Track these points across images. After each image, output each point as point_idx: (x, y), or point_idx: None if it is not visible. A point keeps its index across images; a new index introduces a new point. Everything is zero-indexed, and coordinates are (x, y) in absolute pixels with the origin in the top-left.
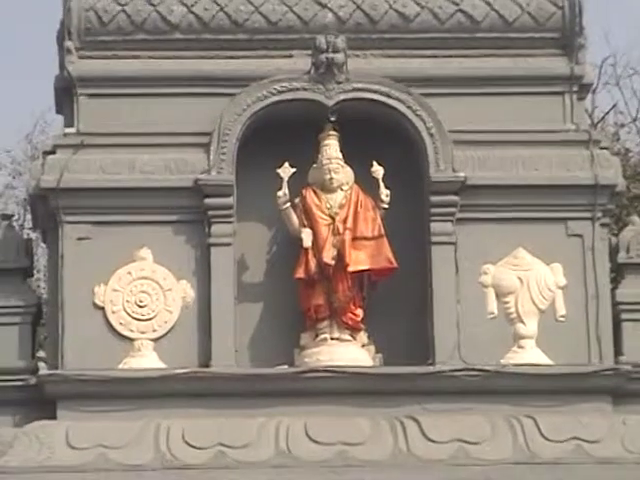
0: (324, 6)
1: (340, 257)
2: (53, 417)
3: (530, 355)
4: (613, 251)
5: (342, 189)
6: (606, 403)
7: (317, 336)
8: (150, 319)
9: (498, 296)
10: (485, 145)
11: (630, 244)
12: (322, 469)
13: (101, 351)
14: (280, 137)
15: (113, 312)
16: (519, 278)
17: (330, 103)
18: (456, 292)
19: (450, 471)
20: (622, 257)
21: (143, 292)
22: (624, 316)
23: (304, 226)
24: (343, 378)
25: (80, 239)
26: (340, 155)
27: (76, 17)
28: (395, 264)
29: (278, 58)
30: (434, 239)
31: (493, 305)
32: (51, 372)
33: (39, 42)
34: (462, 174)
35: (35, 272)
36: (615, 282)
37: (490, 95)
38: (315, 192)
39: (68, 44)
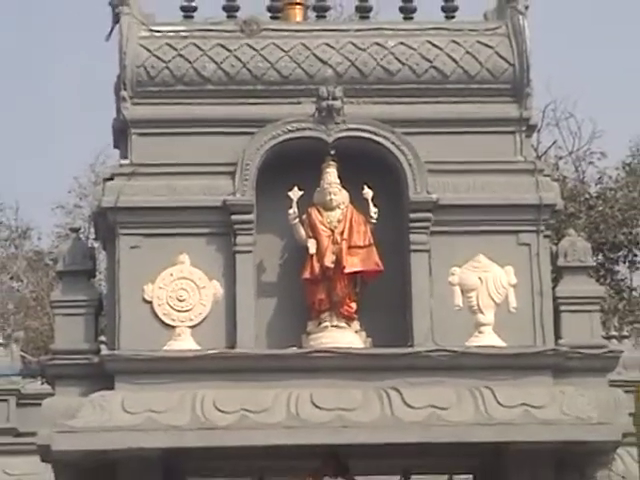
0: (325, 63)
1: (338, 261)
2: (111, 388)
3: (488, 339)
4: (554, 257)
5: (339, 208)
6: (548, 377)
7: (320, 324)
8: (188, 311)
9: (463, 292)
10: (453, 173)
11: (567, 251)
12: (324, 430)
13: (149, 336)
14: (291, 166)
15: (159, 305)
16: (479, 278)
17: (330, 140)
18: (430, 289)
19: (425, 431)
20: (561, 261)
21: (182, 289)
22: (562, 308)
23: (310, 237)
24: (341, 357)
25: (132, 247)
26: (338, 181)
27: (130, 72)
28: (381, 267)
29: (289, 104)
30: (412, 247)
31: (459, 299)
32: (110, 353)
33: (100, 92)
34: (435, 196)
35: (97, 274)
36: (555, 281)
37: (457, 134)
38: (318, 210)
39: (123, 93)
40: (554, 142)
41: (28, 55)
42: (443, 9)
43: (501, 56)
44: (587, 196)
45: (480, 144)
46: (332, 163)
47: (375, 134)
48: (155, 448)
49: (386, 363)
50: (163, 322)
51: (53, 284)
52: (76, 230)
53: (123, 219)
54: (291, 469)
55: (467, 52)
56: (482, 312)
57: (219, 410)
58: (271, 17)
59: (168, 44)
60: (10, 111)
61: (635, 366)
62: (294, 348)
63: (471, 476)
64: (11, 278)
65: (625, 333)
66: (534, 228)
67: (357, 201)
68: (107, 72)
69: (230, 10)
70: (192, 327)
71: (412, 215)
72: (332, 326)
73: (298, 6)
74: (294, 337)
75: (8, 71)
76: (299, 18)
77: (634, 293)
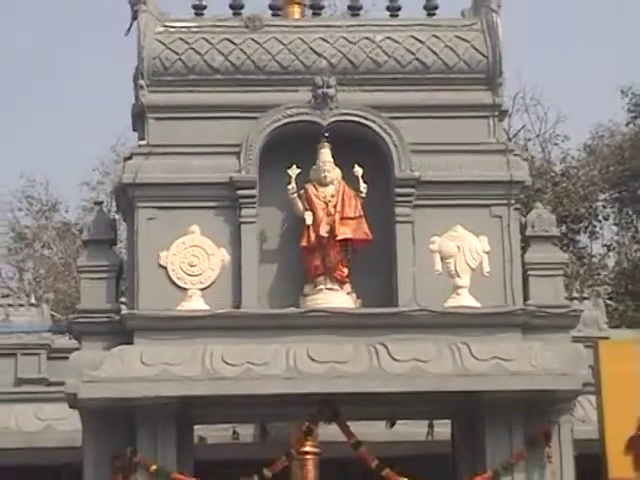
0: (320, 55)
1: (332, 231)
2: (131, 343)
3: (465, 300)
4: (523, 227)
5: (333, 184)
6: (517, 333)
7: (316, 287)
8: (198, 275)
9: (442, 259)
10: (433, 153)
11: (534, 222)
12: (319, 380)
13: (164, 297)
14: (289, 147)
15: (172, 270)
16: (457, 246)
17: (325, 123)
18: (413, 256)
19: (409, 381)
20: (529, 231)
21: (193, 256)
22: (530, 273)
23: (306, 210)
24: (334, 316)
25: (149, 219)
26: (331, 160)
27: (147, 63)
28: (370, 236)
29: (288, 92)
30: (397, 219)
31: (439, 265)
32: (129, 312)
33: (119, 82)
34: (417, 173)
35: (118, 242)
36: (524, 249)
37: (437, 118)
38: (314, 186)
39: (141, 82)
40: (523, 126)
41: (63, 48)
42: (425, 7)
43: (476, 49)
44: (552, 174)
45: (457, 127)
46: (326, 144)
47: (364, 118)
48: (169, 396)
49: (374, 321)
50: (176, 285)
51: (79, 251)
52: (99, 204)
53: (141, 194)
54: (290, 416)
55: (446, 45)
56: (459, 276)
57: (226, 363)
58: (272, 14)
59: (181, 38)
60: (42, 98)
61: (594, 324)
62: (292, 308)
63: (449, 421)
64: (42, 246)
65: (585, 295)
66: (505, 202)
67: (348, 178)
68: (127, 64)
69: (236, 8)
70: (202, 289)
71: (397, 190)
72: (326, 289)
73: (296, 4)
74: (293, 298)
75: (43, 60)
76: (297, 15)
77: (593, 260)
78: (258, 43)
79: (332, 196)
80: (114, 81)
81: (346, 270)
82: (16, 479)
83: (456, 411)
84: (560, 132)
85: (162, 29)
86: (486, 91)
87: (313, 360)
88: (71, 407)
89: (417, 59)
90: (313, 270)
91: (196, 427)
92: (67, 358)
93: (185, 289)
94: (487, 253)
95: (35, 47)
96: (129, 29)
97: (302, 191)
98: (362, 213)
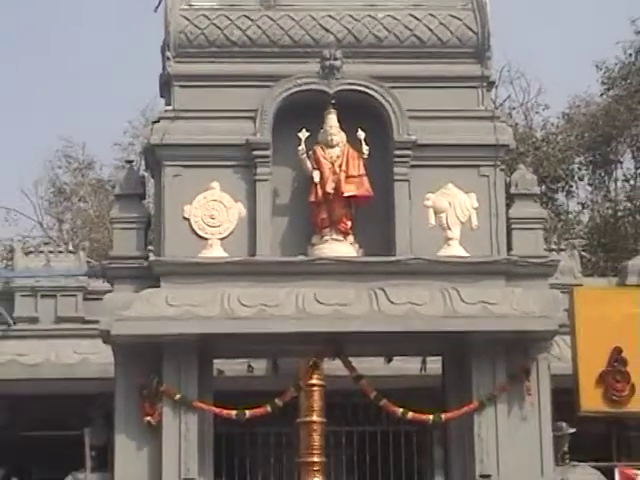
0: (328, 31)
1: (337, 188)
2: (158, 286)
3: (455, 250)
4: (507, 186)
5: (338, 146)
6: (501, 280)
7: (322, 237)
8: (218, 226)
9: (435, 213)
10: (428, 119)
11: (518, 182)
12: (324, 320)
13: (187, 246)
14: (300, 113)
15: (195, 222)
16: (449, 202)
17: (331, 92)
18: (409, 211)
19: (405, 322)
20: (513, 190)
21: (214, 209)
22: (513, 226)
23: (314, 169)
24: (338, 263)
25: (174, 176)
26: (337, 124)
27: (173, 37)
28: (371, 193)
29: (299, 64)
30: (396, 178)
31: (432, 219)
32: (156, 259)
33: (150, 53)
34: (414, 137)
35: (146, 197)
36: (508, 205)
37: (431, 88)
38: (322, 147)
39: (168, 54)
40: (508, 96)
41: (100, 23)
42: None
43: (467, 26)
44: (534, 139)
45: (450, 96)
46: (333, 110)
47: (367, 87)
48: (191, 334)
49: (374, 268)
50: (198, 235)
51: (112, 205)
52: (130, 162)
53: (167, 153)
54: (298, 352)
55: (440, 23)
56: (450, 229)
57: (242, 304)
58: None
59: (203, 15)
60: (81, 68)
61: (569, 273)
62: (301, 256)
63: (440, 358)
64: (79, 200)
65: (562, 247)
66: (492, 163)
67: (352, 141)
68: (156, 37)
69: None
70: (221, 239)
71: (395, 152)
72: (332, 239)
73: None
74: (302, 248)
75: (85, 33)
76: None
77: (569, 216)
78: (272, 19)
79: (337, 157)
80: (144, 53)
81: (349, 223)
82: (55, 407)
83: (446, 349)
84: (541, 102)
85: (187, 7)
86: (475, 64)
87: (319, 302)
88: (104, 342)
89: (414, 35)
90: (320, 223)
91: (215, 361)
92: (101, 299)
93: (206, 239)
94: (475, 209)
95: (76, 20)
96: (157, 6)
97: (311, 152)
98: (364, 172)
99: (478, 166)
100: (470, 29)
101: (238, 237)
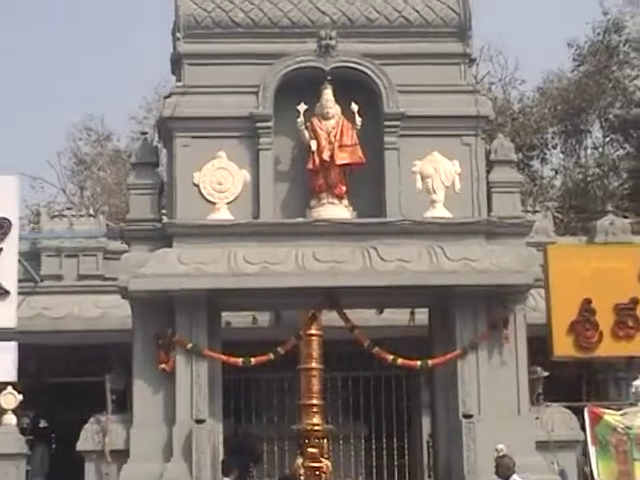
0: (324, 13)
1: (332, 156)
2: (170, 246)
3: (440, 212)
4: (487, 153)
5: (334, 118)
6: (482, 239)
7: (319, 201)
8: (224, 191)
9: (422, 178)
10: (415, 93)
11: (497, 149)
12: (322, 276)
13: (197, 209)
14: (298, 88)
15: (204, 187)
16: (434, 168)
17: (327, 68)
18: (398, 177)
19: (394, 277)
20: (492, 157)
21: (221, 176)
22: (493, 190)
23: (312, 139)
24: (334, 225)
25: (185, 146)
26: (333, 98)
27: (182, 19)
28: (364, 160)
29: (298, 43)
30: (386, 146)
31: (419, 184)
32: (169, 221)
33: (162, 36)
34: (402, 109)
35: (159, 165)
36: (488, 171)
37: (418, 64)
38: (318, 119)
39: (178, 35)
40: (488, 72)
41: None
42: None
43: (450, 8)
44: (511, 111)
45: (435, 72)
46: (328, 86)
47: (360, 64)
48: (201, 289)
49: (366, 229)
50: (207, 199)
51: (128, 173)
52: (144, 134)
53: (178, 125)
54: (298, 305)
55: (426, 5)
56: (435, 193)
57: (247, 262)
58: None
59: None
60: (101, 47)
61: (544, 232)
62: (301, 218)
63: (427, 310)
64: (98, 169)
65: (537, 209)
66: (473, 133)
67: (346, 113)
68: (167, 20)
69: None
70: (228, 203)
71: (386, 123)
72: (328, 203)
73: None
74: (301, 210)
75: (103, 17)
76: None
77: (544, 181)
78: (272, 2)
79: (333, 128)
80: (156, 34)
81: (344, 187)
82: (79, 356)
83: (432, 301)
84: (518, 77)
85: None
86: (458, 42)
87: (317, 260)
88: (122, 297)
89: (402, 16)
90: (317, 188)
91: (223, 314)
92: (119, 258)
93: (214, 203)
94: (458, 174)
95: (99, 4)
96: None
97: (308, 124)
98: (357, 142)
99: (461, 135)
100: (453, 10)
101: (243, 201)
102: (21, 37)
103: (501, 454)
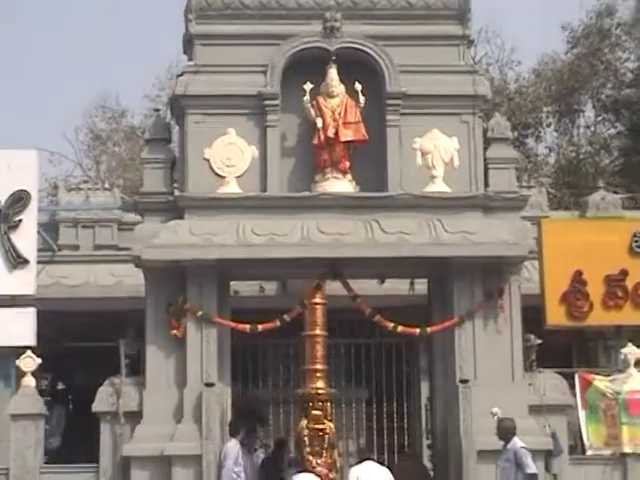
0: None
1: (337, 133)
2: (182, 218)
3: (439, 187)
4: (485, 131)
5: (338, 96)
6: (479, 213)
7: (324, 176)
8: (233, 166)
9: (422, 154)
10: (416, 73)
11: (494, 127)
12: (326, 247)
13: (207, 183)
14: (305, 67)
15: (214, 162)
16: (434, 145)
17: (332, 49)
18: (399, 153)
19: (395, 249)
20: (489, 134)
21: (230, 151)
22: (490, 166)
23: (317, 116)
24: (338, 198)
25: (196, 123)
26: (337, 78)
27: (194, 1)
28: (367, 137)
29: (304, 25)
30: (388, 124)
31: (419, 159)
32: (181, 194)
33: (174, 17)
34: (404, 89)
35: (172, 141)
36: (485, 148)
37: (419, 45)
38: (324, 98)
39: (189, 16)
40: (485, 53)
41: None
42: None
43: None
44: (507, 91)
45: (435, 53)
46: (333, 65)
47: (363, 45)
48: (211, 259)
49: (369, 203)
50: (216, 174)
51: (142, 148)
52: (157, 111)
53: (189, 103)
54: (303, 274)
55: None
56: (435, 168)
57: (255, 233)
58: None
59: None
60: (116, 29)
61: (538, 206)
62: (306, 192)
63: (426, 280)
64: (113, 145)
65: (532, 184)
66: (471, 111)
67: (350, 92)
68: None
69: None
70: (237, 177)
71: (388, 102)
72: (332, 177)
73: None
74: (306, 185)
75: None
76: None
77: (538, 158)
78: None
79: (337, 106)
80: (169, 15)
81: (348, 163)
82: (94, 322)
83: (431, 272)
84: (514, 59)
85: None
86: (457, 25)
87: (321, 232)
88: (136, 266)
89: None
90: (322, 163)
91: (232, 282)
92: (133, 229)
93: (223, 177)
94: (457, 150)
95: None
96: None
97: (314, 102)
98: (360, 119)
99: (459, 114)
100: None
101: (251, 175)
102: (42, 18)
103: (501, 416)
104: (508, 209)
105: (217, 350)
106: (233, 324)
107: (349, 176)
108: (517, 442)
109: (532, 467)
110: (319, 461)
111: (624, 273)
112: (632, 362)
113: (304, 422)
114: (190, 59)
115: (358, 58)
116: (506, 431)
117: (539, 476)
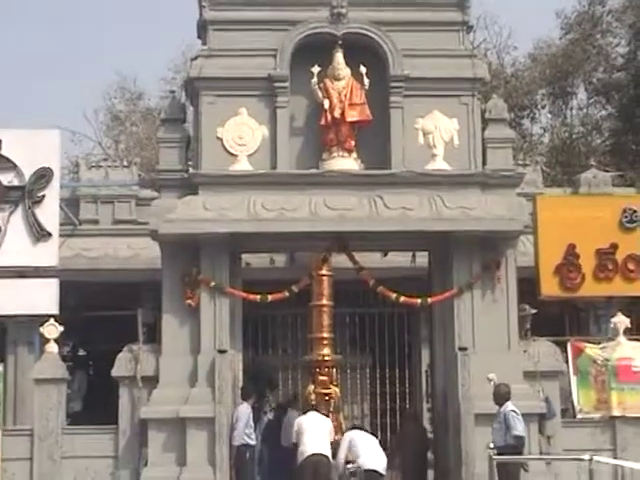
0: None
1: (343, 113)
2: (196, 194)
3: (440, 164)
4: (483, 112)
5: (344, 79)
6: (477, 189)
7: (331, 154)
8: (245, 145)
9: (424, 134)
10: (418, 57)
11: (492, 109)
12: (332, 222)
13: (220, 160)
14: (313, 51)
15: (226, 141)
16: (435, 125)
17: (339, 34)
18: (402, 132)
19: (398, 223)
20: (487, 115)
21: (242, 131)
22: (488, 145)
23: (324, 98)
24: (344, 175)
25: (209, 103)
26: (343, 61)
27: None
28: (371, 117)
29: (311, 11)
30: (392, 105)
31: (421, 139)
32: (195, 171)
33: (189, 4)
34: (407, 72)
35: (186, 121)
36: (483, 128)
37: (421, 31)
38: (330, 80)
39: (203, 2)
40: (484, 39)
41: None
42: None
43: None
44: (504, 74)
45: (436, 38)
46: (339, 50)
47: (368, 31)
48: (223, 233)
49: (373, 180)
50: (229, 152)
51: (158, 128)
52: (173, 93)
53: (203, 85)
54: (311, 247)
55: None
56: (436, 147)
57: (265, 208)
58: None
59: None
60: (135, 13)
61: (532, 183)
62: (314, 169)
63: (427, 253)
64: (131, 125)
65: (527, 163)
66: (470, 93)
67: (356, 75)
68: None
69: None
70: (248, 155)
71: (391, 84)
72: (339, 156)
73: None
74: (314, 162)
75: None
76: None
77: (533, 138)
78: None
79: (343, 88)
80: (184, 2)
81: (353, 142)
82: (113, 291)
83: (432, 245)
84: (511, 44)
85: None
86: (457, 11)
87: (328, 207)
88: (153, 240)
89: None
90: (329, 142)
91: (243, 255)
92: (150, 205)
93: (235, 155)
94: (457, 130)
95: None
96: None
97: (321, 84)
98: (365, 101)
99: (459, 96)
100: None
101: (262, 153)
102: (67, 5)
103: (497, 382)
104: (505, 186)
105: (229, 319)
106: (244, 294)
107: (354, 154)
108: (509, 406)
109: (519, 429)
110: None
111: (614, 247)
112: (621, 331)
113: (311, 387)
114: (204, 43)
115: (363, 43)
116: (501, 396)
117: (534, 438)
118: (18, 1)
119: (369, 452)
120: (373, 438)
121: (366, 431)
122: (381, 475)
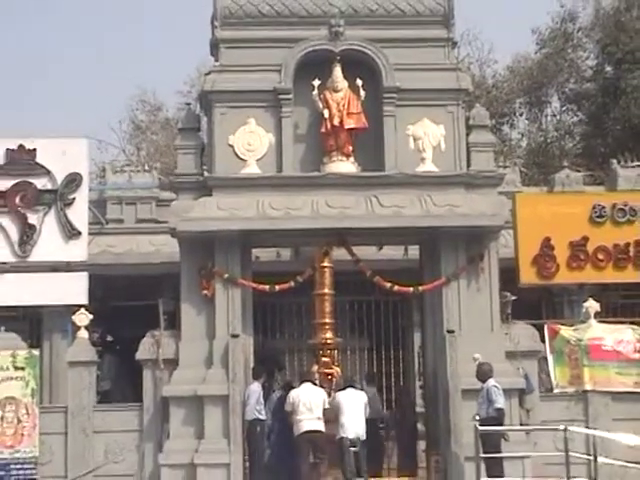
0: (333, 5)
1: (341, 122)
2: (210, 195)
3: (429, 167)
4: (467, 119)
5: (342, 91)
6: (463, 189)
7: (331, 158)
8: (254, 151)
9: (414, 140)
10: (408, 70)
11: (475, 116)
12: (333, 219)
13: (232, 165)
14: (314, 66)
15: (237, 147)
16: (424, 132)
17: (337, 50)
18: (395, 138)
19: (391, 220)
20: (471, 122)
21: (251, 138)
22: (472, 149)
23: (324, 108)
24: (343, 177)
25: (222, 114)
26: (341, 75)
27: (219, 10)
28: (367, 125)
29: (312, 30)
30: (385, 114)
31: (412, 144)
32: (209, 175)
33: (202, 24)
34: (398, 84)
35: (201, 130)
36: (468, 134)
37: (411, 47)
38: (330, 92)
39: (215, 23)
40: (467, 54)
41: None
42: None
43: (437, 1)
44: (486, 85)
45: (424, 53)
46: (338, 64)
47: (364, 47)
48: (236, 230)
49: (369, 181)
50: (239, 157)
51: (176, 136)
52: (188, 104)
53: (216, 97)
54: (314, 243)
55: None
56: (425, 151)
57: (273, 208)
58: None
59: None
60: (154, 32)
61: (512, 183)
62: (315, 172)
63: (418, 247)
64: (152, 134)
65: (507, 164)
66: (456, 103)
67: (353, 87)
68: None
69: None
70: (257, 160)
71: (385, 95)
72: (337, 160)
73: None
74: (315, 166)
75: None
76: None
77: (512, 142)
78: None
79: (342, 99)
80: (197, 22)
81: (351, 147)
82: (137, 284)
83: (422, 240)
84: (491, 58)
85: None
86: (443, 29)
87: (329, 206)
88: (172, 237)
89: (398, 8)
90: (329, 147)
91: (253, 250)
92: (169, 205)
93: (245, 160)
94: (443, 136)
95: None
96: None
97: (322, 95)
98: (361, 110)
99: (445, 105)
100: (438, 3)
101: (269, 158)
102: (92, 22)
103: (481, 361)
104: (487, 186)
105: (241, 307)
106: (254, 285)
107: (352, 158)
108: (490, 382)
109: (500, 403)
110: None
111: (585, 239)
112: (592, 314)
113: (315, 367)
114: (216, 60)
115: (359, 58)
116: (484, 373)
117: (514, 410)
118: (59, 19)
119: (350, 419)
120: (360, 399)
121: (357, 388)
122: (362, 440)
